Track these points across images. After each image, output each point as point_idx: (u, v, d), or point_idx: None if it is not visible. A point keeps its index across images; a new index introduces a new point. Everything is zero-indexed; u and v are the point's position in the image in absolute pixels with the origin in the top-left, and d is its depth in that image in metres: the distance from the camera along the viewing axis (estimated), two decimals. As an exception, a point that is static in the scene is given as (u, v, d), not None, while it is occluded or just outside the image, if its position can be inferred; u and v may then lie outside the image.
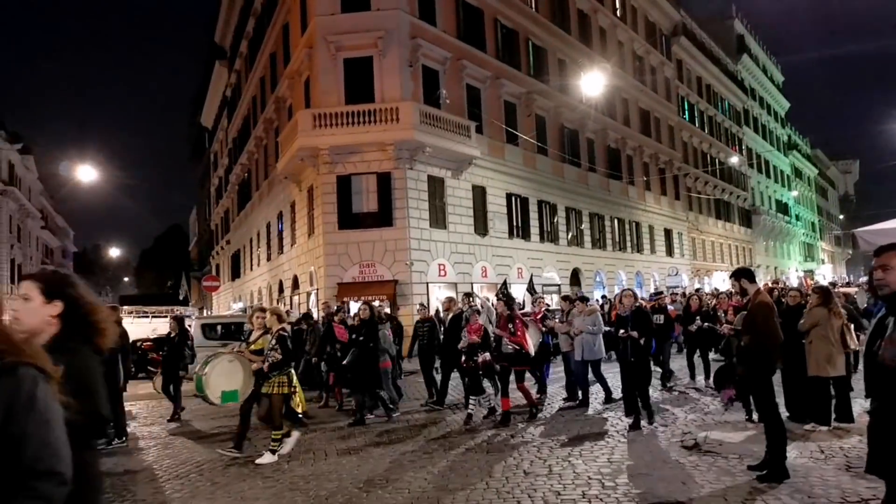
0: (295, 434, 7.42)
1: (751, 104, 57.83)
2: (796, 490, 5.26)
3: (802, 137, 78.94)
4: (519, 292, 25.34)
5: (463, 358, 9.04)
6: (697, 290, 22.96)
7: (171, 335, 11.01)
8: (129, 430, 9.50)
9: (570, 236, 29.09)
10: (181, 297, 52.02)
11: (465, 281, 22.45)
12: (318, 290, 21.33)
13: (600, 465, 6.37)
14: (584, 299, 10.56)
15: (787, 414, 7.55)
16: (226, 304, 41.30)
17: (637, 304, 8.44)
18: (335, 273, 20.27)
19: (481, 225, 23.61)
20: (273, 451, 7.11)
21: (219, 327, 16.81)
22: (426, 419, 9.51)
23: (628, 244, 34.47)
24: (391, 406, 9.67)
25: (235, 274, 39.45)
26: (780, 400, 7.41)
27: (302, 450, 7.57)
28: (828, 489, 5.26)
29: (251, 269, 34.12)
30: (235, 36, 36.68)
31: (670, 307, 13.57)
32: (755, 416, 7.31)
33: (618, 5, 35.58)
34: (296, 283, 24.42)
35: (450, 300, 11.55)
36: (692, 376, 11.22)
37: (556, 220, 28.12)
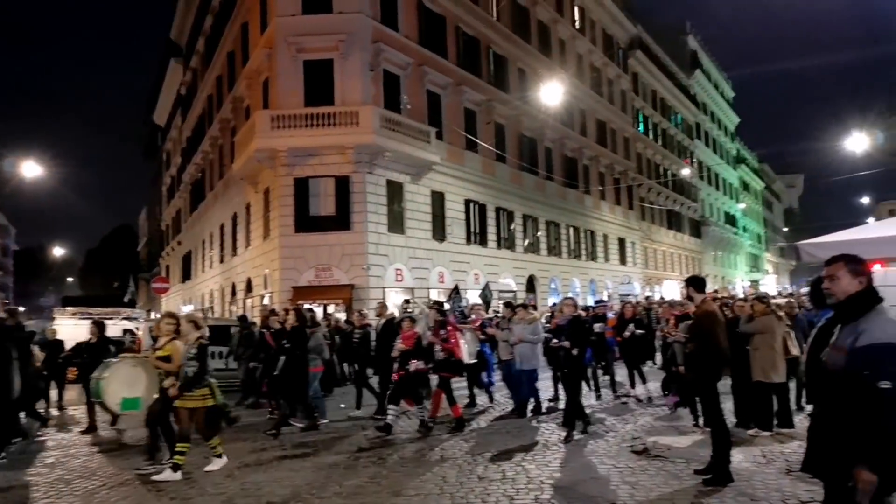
0: (221, 461, 6.95)
1: (702, 118, 59.59)
2: (740, 493, 5.45)
3: (750, 152, 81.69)
4: (475, 298, 25.54)
5: (395, 366, 8.75)
6: (647, 297, 23.43)
7: (91, 340, 10.01)
8: (40, 435, 9.15)
9: (526, 243, 29.42)
10: (127, 300, 50.48)
11: (422, 286, 22.49)
12: (272, 293, 21.03)
13: (552, 471, 6.46)
14: (525, 306, 10.28)
15: (734, 419, 7.82)
16: (175, 306, 40.26)
17: (575, 314, 8.38)
18: (290, 276, 20.02)
19: (439, 230, 23.68)
20: (219, 456, 6.89)
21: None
22: (360, 427, 9.26)
23: (583, 252, 35.05)
24: (316, 415, 9.31)
25: (186, 276, 38.57)
26: (729, 405, 7.69)
27: (235, 464, 7.14)
28: (769, 492, 5.47)
29: (203, 271, 33.41)
30: (192, 33, 35.96)
31: (610, 315, 13.48)
32: (701, 422, 7.53)
33: (577, 18, 36.25)
34: (249, 287, 24.02)
35: (382, 305, 11.27)
36: (632, 384, 11.23)
37: (513, 227, 28.41)
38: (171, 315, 7.35)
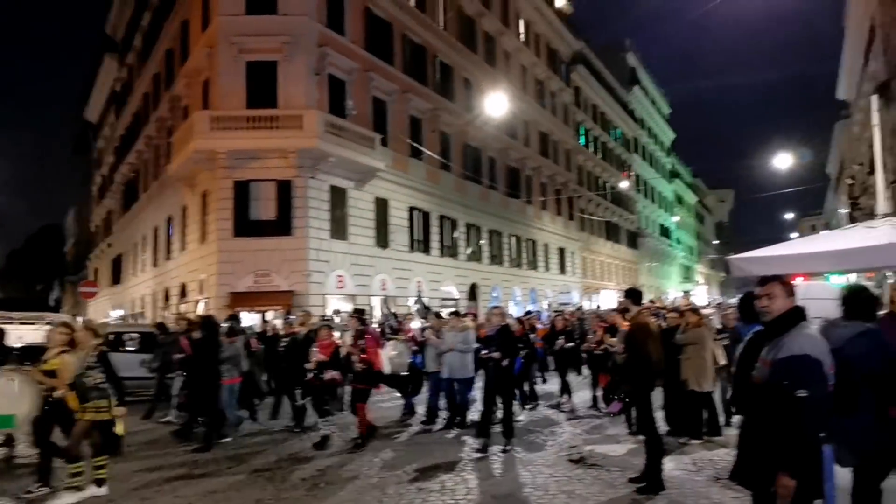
0: (100, 491, 6.22)
1: (640, 133, 61.52)
2: (671, 501, 5.61)
3: (685, 167, 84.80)
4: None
5: (310, 376, 8.48)
6: (580, 308, 23.57)
7: None
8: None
9: (469, 252, 29.61)
10: (52, 303, 48.09)
11: (364, 293, 22.29)
12: (208, 299, 20.43)
13: (491, 481, 6.49)
14: (457, 314, 10.05)
15: (667, 428, 8.05)
16: (104, 311, 38.58)
17: (504, 323, 8.27)
18: (228, 282, 19.49)
19: (382, 237, 23.55)
20: (100, 483, 6.19)
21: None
22: (288, 440, 8.92)
23: (524, 261, 35.53)
24: (231, 428, 8.95)
25: (116, 280, 37.05)
26: (661, 414, 7.91)
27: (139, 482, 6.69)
28: (699, 499, 5.65)
29: (135, 274, 32.16)
30: (129, 29, 34.71)
31: (539, 325, 13.41)
32: (636, 430, 7.72)
33: (522, 31, 36.86)
34: (184, 292, 23.25)
35: (305, 314, 10.92)
36: (563, 394, 11.03)
37: (456, 236, 28.54)
38: (65, 325, 6.75)
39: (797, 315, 3.13)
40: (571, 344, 11.21)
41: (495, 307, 8.77)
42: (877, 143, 11.33)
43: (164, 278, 26.07)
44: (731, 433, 7.70)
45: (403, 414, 10.38)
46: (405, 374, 10.14)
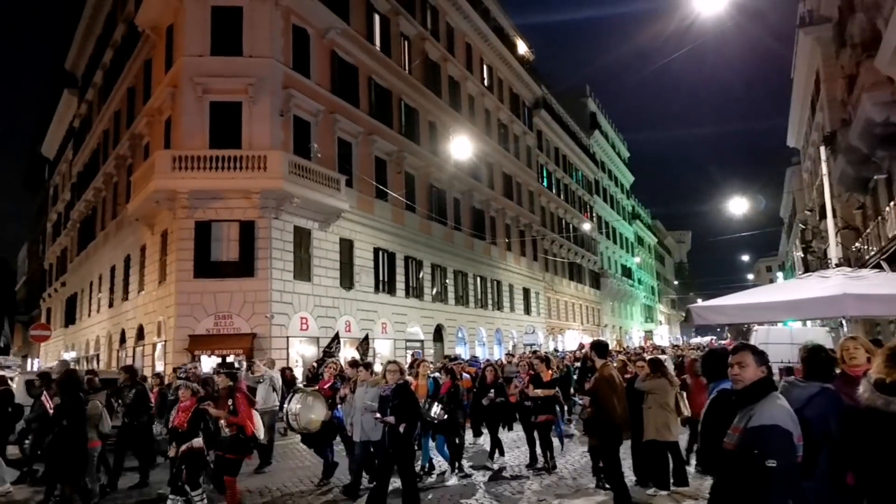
0: None
1: (601, 175, 62.95)
2: (640, 557, 5.53)
3: (644, 208, 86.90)
4: (383, 347, 25.24)
5: (172, 445, 7.24)
6: (509, 356, 22.61)
7: None
8: None
9: (434, 292, 29.54)
10: (1, 345, 46.10)
11: (327, 336, 21.90)
12: (166, 341, 19.85)
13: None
14: (368, 365, 8.61)
15: (634, 478, 8.01)
16: (56, 353, 37.13)
17: (402, 381, 7.28)
18: (187, 324, 18.99)
19: (347, 278, 23.35)
20: None
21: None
22: None
23: (489, 302, 35.59)
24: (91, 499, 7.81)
25: (70, 320, 35.77)
26: (628, 463, 7.87)
27: None
28: (668, 555, 5.58)
29: (89, 315, 31.13)
30: (90, 65, 34.36)
31: (465, 376, 12.25)
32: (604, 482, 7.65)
33: (485, 76, 37.68)
34: (141, 334, 22.57)
35: (191, 368, 9.68)
36: (491, 455, 10.26)
37: (421, 276, 28.48)
38: None
39: (767, 385, 3.17)
40: (502, 398, 10.37)
41: (392, 362, 7.54)
42: (827, 192, 11.77)
43: (120, 319, 25.29)
44: (698, 483, 7.70)
45: (322, 478, 9.18)
46: (313, 431, 8.68)
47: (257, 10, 20.67)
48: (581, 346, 24.49)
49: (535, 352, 17.77)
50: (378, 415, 7.20)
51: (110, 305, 27.03)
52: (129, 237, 24.55)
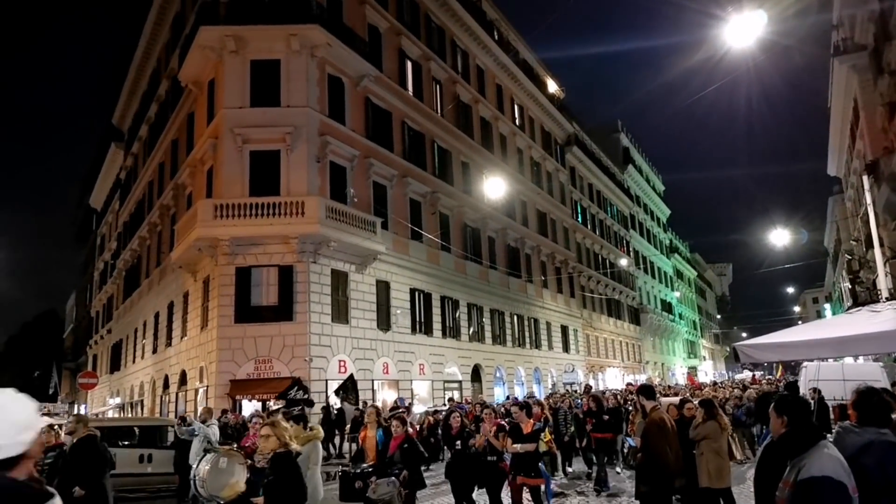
0: None
1: (636, 210, 62.44)
2: None
3: (682, 242, 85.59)
4: (421, 389, 25.11)
5: None
6: (483, 404, 18.06)
7: None
8: None
9: (471, 332, 29.40)
10: (50, 392, 47.23)
11: (366, 377, 21.96)
12: (208, 386, 20.11)
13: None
14: (300, 419, 6.77)
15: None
16: (101, 399, 37.91)
17: (284, 448, 5.06)
18: (228, 369, 19.24)
19: (384, 320, 23.44)
20: None
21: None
22: None
23: (527, 340, 35.21)
24: None
25: (115, 366, 36.56)
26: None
27: None
28: None
29: (134, 361, 31.78)
30: (135, 119, 35.87)
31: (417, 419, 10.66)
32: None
33: (517, 115, 38.09)
34: (184, 379, 22.92)
35: (77, 419, 7.58)
36: None
37: (458, 316, 28.41)
38: None
39: (805, 436, 3.08)
40: (474, 448, 8.43)
41: (269, 419, 5.58)
42: (872, 221, 11.48)
43: (163, 365, 25.75)
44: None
45: None
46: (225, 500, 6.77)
47: (294, 62, 21.41)
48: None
49: (519, 400, 13.69)
50: (358, 483, 6.25)
51: (154, 351, 27.58)
52: (172, 284, 25.17)
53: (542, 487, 8.13)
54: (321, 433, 6.69)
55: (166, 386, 25.26)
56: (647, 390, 6.30)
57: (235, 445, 7.65)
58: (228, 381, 19.06)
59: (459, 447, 8.45)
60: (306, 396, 17.81)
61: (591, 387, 25.12)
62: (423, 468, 8.37)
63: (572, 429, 12.51)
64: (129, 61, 35.59)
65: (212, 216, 19.61)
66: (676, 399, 9.64)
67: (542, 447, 10.09)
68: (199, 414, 10.90)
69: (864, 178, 13.80)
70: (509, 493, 8.22)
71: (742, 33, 10.14)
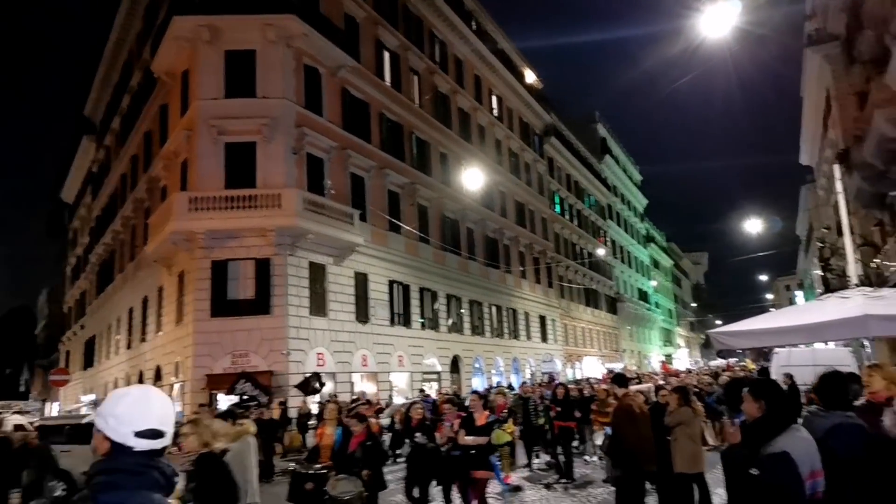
0: None
1: (614, 200, 62.92)
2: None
3: (659, 231, 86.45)
4: (400, 380, 25.13)
5: None
6: (446, 396, 16.98)
7: None
8: None
9: (450, 323, 29.44)
10: (21, 389, 46.43)
11: (344, 370, 21.93)
12: (184, 381, 19.92)
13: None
14: (228, 415, 6.97)
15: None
16: (74, 396, 37.34)
17: (208, 448, 4.69)
18: (204, 364, 19.05)
19: (363, 312, 23.37)
20: None
21: (66, 429, 13.37)
22: None
23: (506, 331, 35.38)
24: None
25: (88, 363, 36.05)
26: (656, 497, 7.68)
27: None
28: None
29: (107, 357, 31.36)
30: (107, 111, 35.20)
31: (382, 419, 10.25)
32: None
33: (495, 106, 38.08)
34: (159, 375, 22.67)
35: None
36: None
37: (436, 307, 28.43)
38: None
39: (776, 420, 3.14)
40: (433, 444, 8.14)
41: (189, 422, 5.27)
42: (843, 210, 11.66)
43: (138, 361, 25.44)
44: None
45: None
46: None
47: (270, 52, 21.14)
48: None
49: (480, 392, 11.98)
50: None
51: (128, 347, 27.22)
52: (146, 279, 24.83)
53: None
54: (252, 427, 6.36)
55: (141, 382, 24.94)
56: (619, 379, 6.47)
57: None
58: (205, 375, 18.87)
59: (419, 439, 8.13)
60: (318, 385, 17.83)
61: (554, 376, 25.34)
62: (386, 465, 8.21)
63: (542, 420, 12.47)
64: (100, 52, 34.89)
65: (187, 209, 19.35)
66: (645, 386, 9.80)
67: (506, 438, 10.12)
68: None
69: (836, 166, 13.99)
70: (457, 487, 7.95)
71: (717, 23, 10.23)
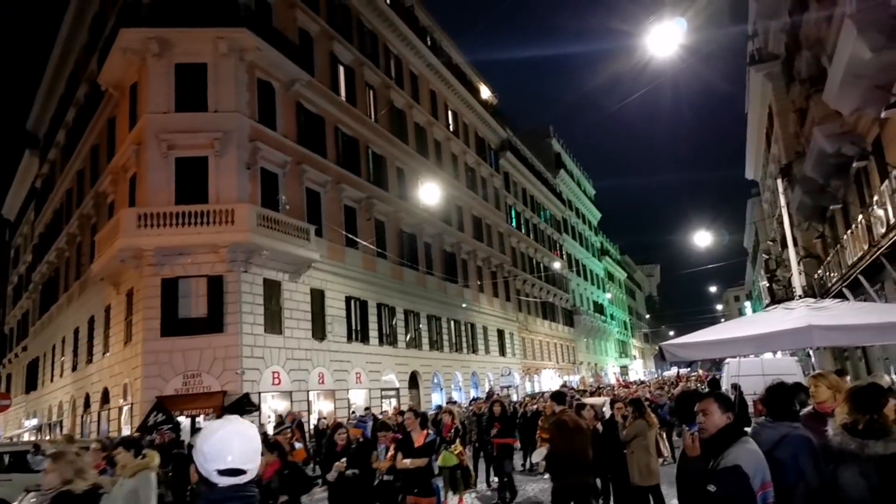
0: None
1: (569, 214, 63.89)
2: None
3: (613, 244, 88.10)
4: (358, 397, 24.80)
5: None
6: (369, 412, 18.01)
7: None
8: None
9: (408, 338, 29.28)
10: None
11: (300, 388, 21.54)
12: (132, 404, 19.23)
13: None
14: (131, 445, 5.91)
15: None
16: (16, 421, 35.69)
17: (68, 485, 4.06)
18: (154, 385, 18.43)
19: (319, 329, 23.03)
20: None
21: (6, 457, 12.87)
22: None
23: (464, 345, 35.37)
24: None
25: (31, 386, 34.51)
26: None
27: None
28: None
29: (51, 380, 30.09)
30: (52, 124, 34.07)
31: (298, 446, 9.60)
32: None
33: (451, 121, 38.32)
34: (106, 397, 21.85)
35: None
36: None
37: (394, 323, 28.24)
38: None
39: (735, 431, 3.18)
40: (355, 471, 7.16)
41: (58, 453, 4.42)
42: (786, 223, 12.06)
43: (84, 383, 24.49)
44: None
45: None
46: None
47: (222, 65, 20.82)
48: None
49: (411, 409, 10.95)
50: None
51: (74, 369, 26.19)
52: (93, 298, 23.98)
53: None
54: (154, 461, 5.63)
55: (87, 405, 24.02)
56: (557, 396, 6.87)
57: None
58: (155, 397, 18.23)
59: (339, 468, 7.17)
60: (248, 408, 17.27)
61: (493, 392, 25.18)
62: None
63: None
64: (44, 64, 33.82)
65: (135, 225, 18.79)
66: (600, 400, 9.90)
67: (453, 461, 9.36)
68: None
69: (779, 181, 14.50)
70: None
71: (663, 42, 10.51)
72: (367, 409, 22.30)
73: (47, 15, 33.07)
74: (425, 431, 7.42)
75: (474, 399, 20.82)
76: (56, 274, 30.71)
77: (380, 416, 17.61)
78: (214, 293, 19.32)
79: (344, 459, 7.23)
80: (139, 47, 20.42)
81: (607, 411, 9.41)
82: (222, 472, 2.03)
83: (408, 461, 6.85)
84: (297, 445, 8.74)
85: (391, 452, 7.23)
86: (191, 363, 18.75)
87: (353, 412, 21.32)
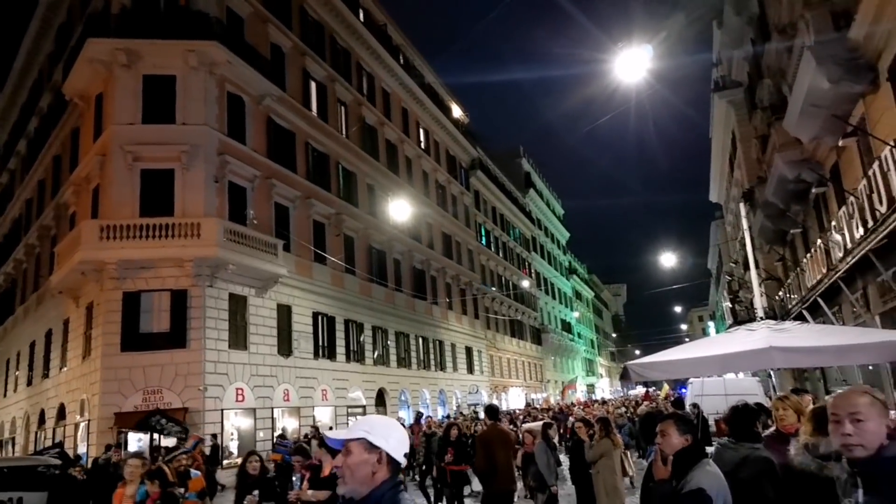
0: None
1: (538, 233, 64.46)
2: None
3: (581, 264, 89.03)
4: (324, 415, 24.46)
5: None
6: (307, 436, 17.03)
7: None
8: None
9: (376, 355, 29.06)
10: None
11: (265, 405, 21.18)
12: (90, 420, 18.68)
13: None
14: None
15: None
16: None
17: None
18: (113, 401, 17.93)
19: (285, 345, 22.72)
20: None
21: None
22: None
23: (432, 362, 35.24)
24: None
25: (-17, 401, 33.22)
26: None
27: None
28: None
29: (5, 395, 29.07)
30: (13, 133, 33.23)
31: (196, 473, 7.93)
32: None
33: (422, 138, 38.50)
34: (62, 413, 21.17)
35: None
36: None
37: (362, 339, 28.02)
38: None
39: (694, 453, 3.22)
40: (301, 500, 6.06)
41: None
42: (748, 245, 12.36)
43: (39, 399, 23.72)
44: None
45: None
46: None
47: (191, 78, 20.60)
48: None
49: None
50: None
51: (29, 384, 25.36)
52: (51, 311, 23.32)
53: None
54: None
55: (42, 421, 23.23)
56: (490, 410, 7.53)
57: None
58: (113, 413, 17.76)
59: (257, 500, 6.40)
60: (160, 425, 16.41)
61: (448, 416, 24.44)
62: None
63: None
64: (7, 72, 33.04)
65: (97, 238, 18.38)
66: (536, 425, 9.36)
67: None
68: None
69: (741, 205, 14.86)
70: None
71: (630, 68, 10.76)
72: (283, 429, 21.00)
73: (11, 23, 32.39)
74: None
75: (422, 417, 19.70)
76: (13, 285, 29.80)
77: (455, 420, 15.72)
78: (178, 308, 18.95)
79: (256, 492, 6.41)
80: (106, 58, 20.11)
81: (554, 435, 9.07)
82: (405, 455, 2.32)
83: (310, 492, 5.96)
84: (195, 473, 7.63)
85: (306, 483, 6.26)
86: (151, 379, 18.31)
87: (282, 433, 20.23)
